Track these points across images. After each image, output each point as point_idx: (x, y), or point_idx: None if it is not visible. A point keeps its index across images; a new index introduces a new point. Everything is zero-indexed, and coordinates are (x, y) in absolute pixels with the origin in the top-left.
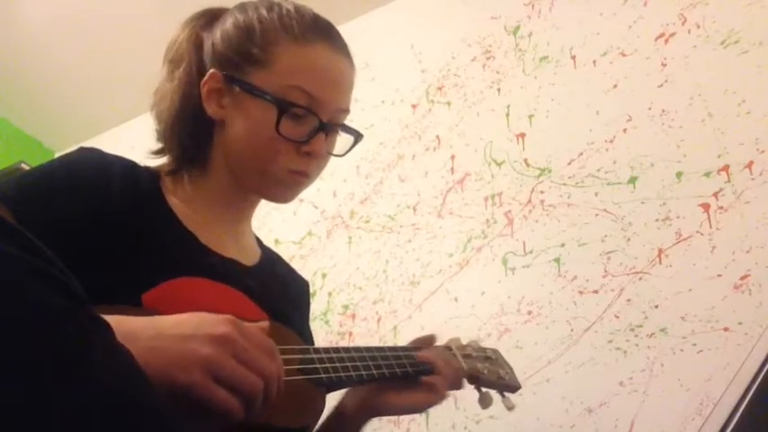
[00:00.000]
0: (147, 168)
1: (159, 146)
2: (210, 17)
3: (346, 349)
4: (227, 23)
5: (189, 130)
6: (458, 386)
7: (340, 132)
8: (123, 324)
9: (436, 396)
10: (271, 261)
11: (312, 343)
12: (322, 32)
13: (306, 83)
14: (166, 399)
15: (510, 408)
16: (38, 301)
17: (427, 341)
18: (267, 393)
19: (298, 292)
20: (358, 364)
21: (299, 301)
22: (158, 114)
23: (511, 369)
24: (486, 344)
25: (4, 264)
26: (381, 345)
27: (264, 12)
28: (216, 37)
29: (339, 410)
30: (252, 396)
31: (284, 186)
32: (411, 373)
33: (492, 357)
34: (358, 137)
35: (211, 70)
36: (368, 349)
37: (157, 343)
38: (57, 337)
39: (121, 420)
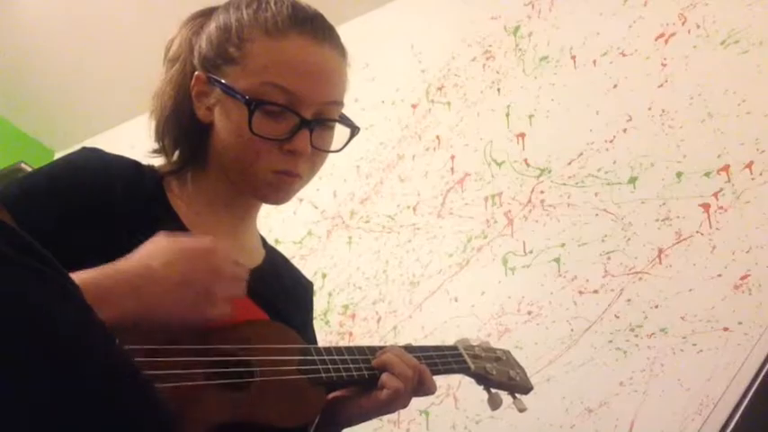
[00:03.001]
0: (150, 168)
1: (157, 145)
2: (204, 18)
3: (348, 349)
4: (212, 25)
5: (183, 132)
6: (425, 389)
7: (336, 126)
8: (118, 282)
9: (390, 395)
10: (274, 262)
11: (315, 344)
12: (299, 23)
13: (280, 78)
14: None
15: (521, 410)
16: (36, 303)
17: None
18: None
19: (301, 294)
20: (361, 365)
21: (302, 303)
22: (155, 115)
23: (522, 370)
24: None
25: (2, 266)
26: (383, 344)
27: (243, 8)
28: (202, 39)
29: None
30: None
31: (273, 188)
32: None
33: (502, 358)
34: (353, 130)
35: (196, 73)
36: (370, 349)
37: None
38: (54, 339)
39: (122, 424)
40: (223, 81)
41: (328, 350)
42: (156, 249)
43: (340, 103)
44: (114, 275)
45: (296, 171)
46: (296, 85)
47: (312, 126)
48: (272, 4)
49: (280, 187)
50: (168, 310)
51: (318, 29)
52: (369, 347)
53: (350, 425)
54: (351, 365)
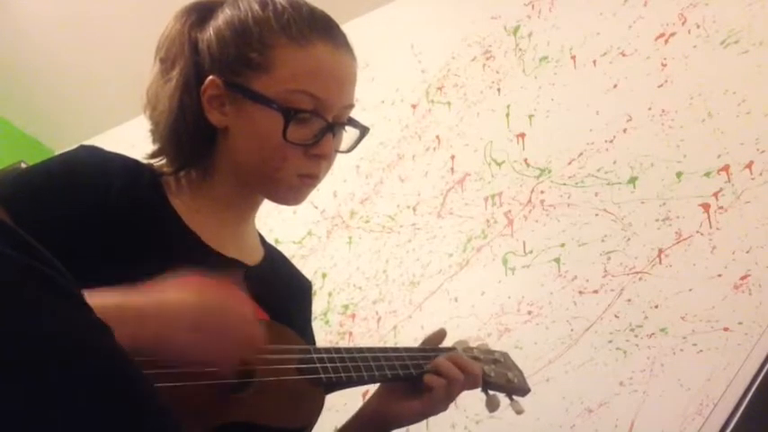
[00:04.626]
0: (149, 166)
1: (156, 147)
2: (202, 12)
3: (347, 350)
4: (220, 22)
5: (189, 136)
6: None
7: (345, 128)
8: (129, 307)
9: (438, 403)
10: (273, 260)
11: (314, 343)
12: (321, 29)
13: (310, 86)
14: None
15: (519, 412)
16: (35, 303)
17: (437, 338)
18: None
19: (300, 292)
20: (359, 364)
21: (301, 302)
22: (154, 116)
23: (520, 372)
24: (486, 342)
25: (1, 265)
26: (383, 345)
27: (258, 9)
28: (210, 38)
29: (356, 416)
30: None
31: (295, 190)
32: (414, 376)
33: (500, 360)
34: (364, 131)
35: (211, 77)
36: (370, 350)
37: (165, 331)
38: (54, 341)
39: (123, 424)
40: (251, 88)
41: (328, 351)
42: (175, 285)
43: (353, 106)
44: (123, 304)
45: (317, 173)
46: (323, 92)
47: (335, 129)
48: (289, 6)
49: (301, 190)
50: (171, 351)
51: (337, 34)
52: (368, 348)
53: (391, 426)
54: (349, 365)
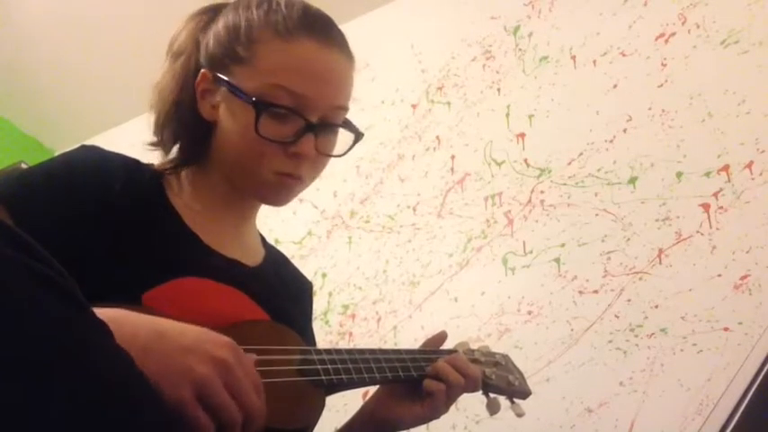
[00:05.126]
0: (149, 166)
1: (156, 138)
2: (212, 15)
3: (348, 351)
4: (220, 23)
5: (184, 128)
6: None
7: (339, 131)
8: (125, 321)
9: (439, 407)
10: (274, 261)
11: (314, 344)
12: (310, 26)
13: (289, 81)
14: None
15: (519, 414)
16: (35, 304)
17: (437, 341)
18: (245, 430)
19: (300, 293)
20: (360, 365)
21: (302, 302)
22: (156, 108)
23: (521, 375)
24: (486, 344)
25: (1, 266)
26: (384, 347)
27: (254, 9)
28: (209, 36)
29: (355, 417)
30: (229, 427)
31: (273, 189)
32: (415, 377)
33: (501, 363)
34: (357, 135)
35: (202, 70)
36: (371, 351)
37: (157, 347)
38: (54, 340)
39: (123, 424)
40: (230, 81)
41: (329, 352)
42: (176, 325)
43: (345, 108)
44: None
45: (298, 174)
46: (303, 89)
47: (317, 130)
48: (283, 6)
49: (280, 189)
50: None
51: (329, 33)
52: (369, 349)
53: (392, 428)
54: (350, 366)
